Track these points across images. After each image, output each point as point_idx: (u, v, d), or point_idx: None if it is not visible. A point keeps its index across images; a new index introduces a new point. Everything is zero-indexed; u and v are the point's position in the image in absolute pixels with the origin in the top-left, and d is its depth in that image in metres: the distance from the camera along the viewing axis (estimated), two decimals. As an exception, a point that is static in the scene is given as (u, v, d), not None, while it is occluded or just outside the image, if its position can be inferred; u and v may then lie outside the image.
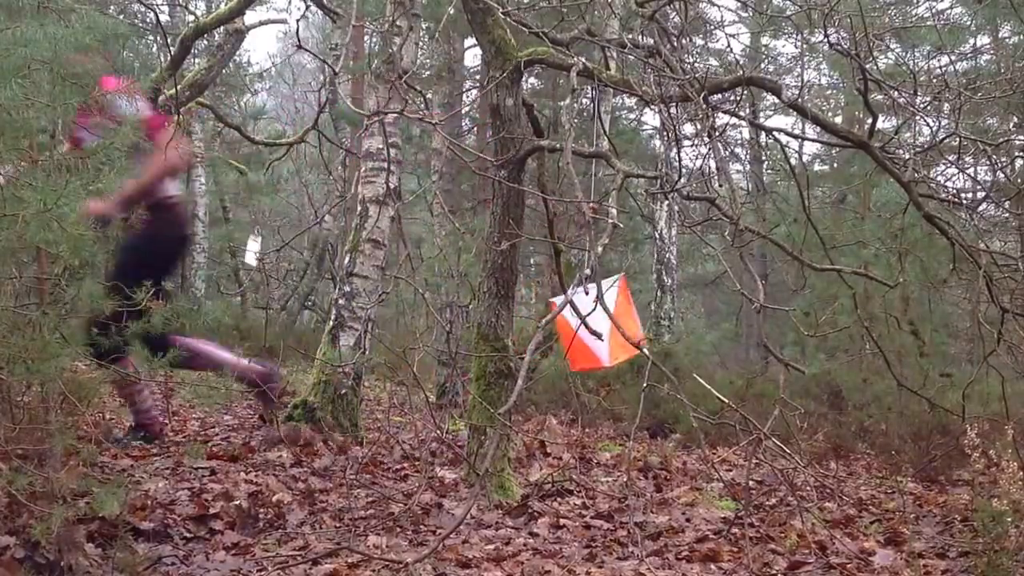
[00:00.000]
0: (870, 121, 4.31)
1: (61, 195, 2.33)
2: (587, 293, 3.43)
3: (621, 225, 3.67)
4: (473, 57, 14.35)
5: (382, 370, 8.08)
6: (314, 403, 5.99)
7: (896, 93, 4.54)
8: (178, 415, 6.25)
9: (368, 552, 3.11)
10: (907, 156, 4.36)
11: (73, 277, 2.78)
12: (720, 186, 4.46)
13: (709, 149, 4.27)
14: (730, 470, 5.76)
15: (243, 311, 14.61)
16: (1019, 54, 9.78)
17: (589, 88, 8.98)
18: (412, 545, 3.43)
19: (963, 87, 4.75)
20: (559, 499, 4.43)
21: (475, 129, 14.10)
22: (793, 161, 6.93)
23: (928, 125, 4.68)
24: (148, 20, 13.76)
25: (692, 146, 8.76)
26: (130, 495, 3.32)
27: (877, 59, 5.31)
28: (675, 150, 6.75)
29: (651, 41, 4.54)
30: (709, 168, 4.44)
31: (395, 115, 5.32)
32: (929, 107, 4.77)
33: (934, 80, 6.72)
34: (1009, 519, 2.58)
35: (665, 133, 11.00)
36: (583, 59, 4.27)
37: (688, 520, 4.10)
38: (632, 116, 16.62)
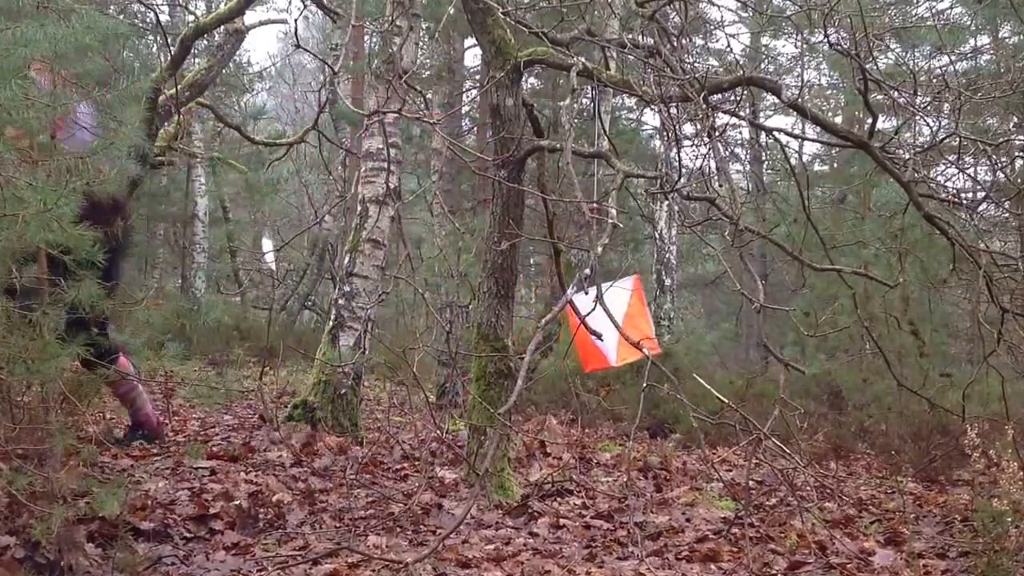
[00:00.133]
0: (870, 121, 4.31)
1: (61, 195, 2.33)
2: (587, 293, 3.43)
3: (621, 225, 3.68)
4: (473, 57, 14.36)
5: (382, 370, 8.08)
6: (314, 403, 6.00)
7: (896, 93, 4.54)
8: (178, 415, 6.25)
9: (368, 552, 3.11)
10: (907, 156, 4.36)
11: (73, 277, 2.78)
12: (720, 186, 4.46)
13: (709, 149, 4.27)
14: (730, 470, 5.76)
15: (243, 312, 14.60)
16: (1019, 54, 9.78)
17: (589, 88, 8.99)
18: (412, 545, 3.43)
19: (963, 87, 4.75)
20: (559, 499, 4.43)
21: (475, 129, 14.10)
22: (793, 161, 6.93)
23: (928, 125, 4.68)
24: (148, 20, 13.76)
25: (692, 146, 8.76)
26: (130, 495, 3.32)
27: (877, 59, 5.31)
28: (675, 150, 6.75)
29: (651, 41, 4.54)
30: (709, 168, 4.44)
31: (395, 115, 5.32)
32: (929, 107, 4.77)
33: (934, 80, 6.73)
34: (1009, 519, 2.58)
35: (665, 133, 11.00)
36: (583, 59, 4.27)
37: (688, 520, 4.11)
38: (632, 116, 16.61)
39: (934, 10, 12.27)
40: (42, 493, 2.52)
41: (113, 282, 3.36)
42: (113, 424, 5.09)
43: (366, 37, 12.83)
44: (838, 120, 11.40)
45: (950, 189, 5.23)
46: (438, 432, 5.22)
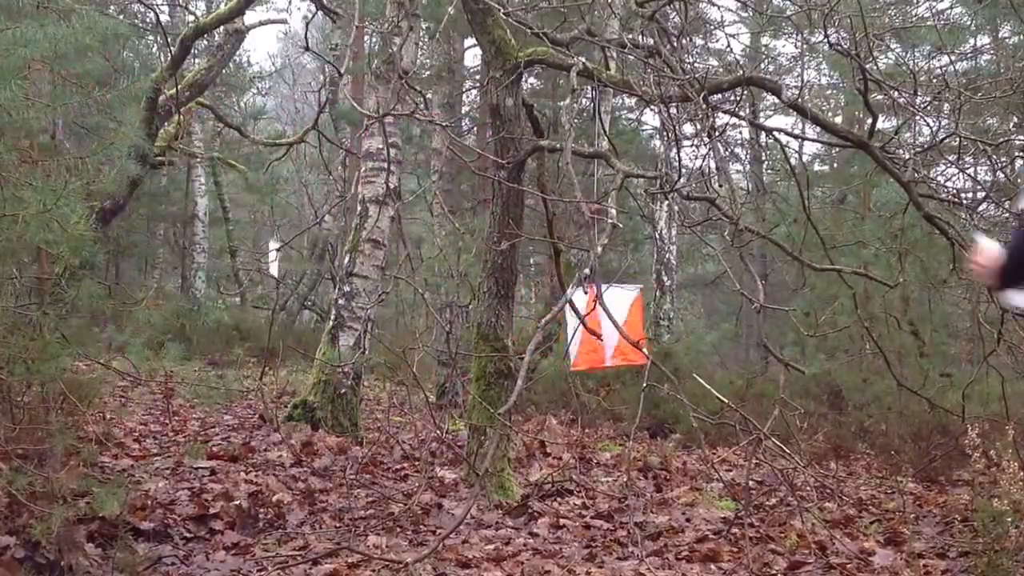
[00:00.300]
0: (870, 121, 4.31)
1: (61, 195, 2.33)
2: (586, 292, 3.43)
3: (621, 225, 3.67)
4: (473, 57, 14.34)
5: (382, 370, 8.08)
6: (314, 403, 6.00)
7: (896, 93, 4.54)
8: (178, 415, 6.25)
9: (368, 552, 3.11)
10: (907, 156, 4.36)
11: (73, 277, 2.78)
12: (720, 186, 4.46)
13: (709, 149, 4.27)
14: (730, 470, 5.76)
15: (243, 312, 14.60)
16: (1019, 54, 9.77)
17: (589, 88, 8.98)
18: (412, 545, 3.43)
19: (963, 87, 4.75)
20: (559, 499, 4.43)
21: (475, 129, 14.09)
22: (793, 161, 6.93)
23: (928, 125, 4.68)
24: (148, 20, 13.75)
25: (692, 146, 8.76)
26: (130, 495, 3.32)
27: (877, 59, 5.31)
28: (675, 150, 6.75)
29: (651, 41, 4.54)
30: (709, 168, 4.44)
31: (398, 116, 5.32)
32: (929, 107, 4.77)
33: (934, 80, 6.73)
34: (1009, 519, 2.58)
35: (665, 133, 11.00)
36: (583, 59, 4.27)
37: (688, 520, 4.10)
38: (632, 116, 16.60)
39: (934, 10, 12.27)
40: (42, 493, 2.52)
41: None
42: (113, 424, 5.09)
43: (366, 37, 12.82)
44: (838, 120, 11.40)
45: (950, 189, 5.23)
46: (438, 432, 5.22)
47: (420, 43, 9.04)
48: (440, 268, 9.48)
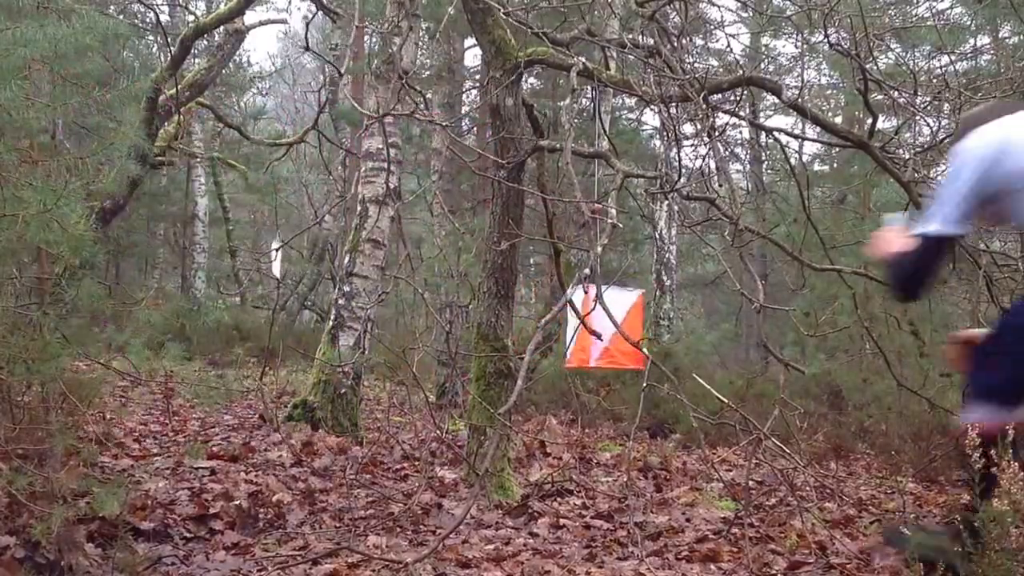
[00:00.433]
0: (870, 121, 4.31)
1: (61, 195, 2.33)
2: (585, 292, 3.43)
3: (621, 225, 3.68)
4: (473, 57, 14.35)
5: (382, 370, 8.09)
6: (314, 403, 6.00)
7: (896, 93, 4.54)
8: (178, 415, 6.25)
9: (368, 552, 3.11)
10: (907, 156, 4.36)
11: (73, 277, 2.78)
12: (720, 186, 4.47)
13: (709, 149, 4.27)
14: (730, 470, 5.76)
15: (243, 312, 14.60)
16: (1019, 54, 9.77)
17: (589, 88, 8.98)
18: (412, 545, 3.43)
19: (963, 87, 4.75)
20: (559, 499, 4.43)
21: (475, 129, 14.09)
22: (793, 161, 6.93)
23: (928, 125, 4.68)
24: (148, 20, 13.75)
25: (692, 146, 8.76)
26: (130, 495, 3.32)
27: (877, 59, 5.31)
28: (675, 150, 6.75)
29: (651, 41, 4.55)
30: (709, 168, 4.45)
31: (397, 116, 5.31)
32: (929, 107, 4.77)
33: (934, 80, 6.72)
34: (1009, 519, 2.57)
35: (665, 133, 11.00)
36: (583, 59, 4.27)
37: (688, 520, 4.10)
38: (632, 116, 16.61)
39: (934, 10, 12.27)
40: (42, 493, 2.52)
41: None
42: (113, 424, 5.09)
43: (366, 37, 12.82)
44: (838, 120, 11.40)
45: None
46: (438, 432, 5.22)
47: (420, 43, 9.04)
48: (440, 268, 9.49)
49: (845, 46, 4.36)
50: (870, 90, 4.21)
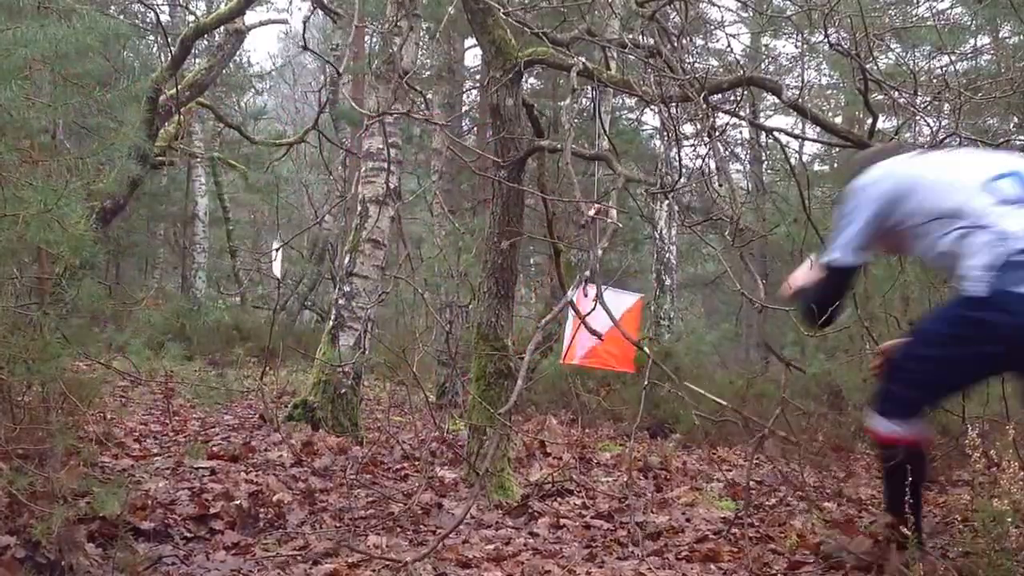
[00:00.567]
0: (870, 121, 4.31)
1: (61, 195, 2.33)
2: (586, 295, 3.43)
3: (621, 226, 3.68)
4: (473, 57, 14.36)
5: (382, 370, 8.09)
6: (314, 403, 6.00)
7: (896, 93, 4.54)
8: (179, 415, 6.26)
9: (367, 551, 3.11)
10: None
11: (73, 277, 2.78)
12: (720, 186, 4.47)
13: (709, 149, 4.27)
14: (730, 470, 5.76)
15: (243, 311, 14.61)
16: (1019, 54, 9.78)
17: (589, 88, 8.98)
18: (412, 545, 3.43)
19: (963, 87, 4.75)
20: (559, 499, 4.43)
21: (475, 129, 14.10)
22: (793, 161, 6.93)
23: (928, 125, 4.68)
24: (148, 20, 13.75)
25: (692, 146, 8.77)
26: (130, 495, 3.32)
27: (877, 59, 5.31)
28: (675, 150, 6.75)
29: (651, 41, 4.55)
30: (709, 168, 4.45)
31: (398, 116, 5.32)
32: (929, 107, 4.77)
33: (934, 80, 6.72)
34: (1010, 519, 2.58)
35: (665, 133, 11.00)
36: (583, 59, 4.27)
37: (688, 520, 4.10)
38: (632, 116, 16.61)
39: (934, 10, 12.28)
40: (42, 493, 2.52)
41: None
42: (113, 424, 5.09)
43: (367, 37, 12.83)
44: (838, 120, 11.40)
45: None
46: (439, 432, 5.22)
47: (420, 43, 9.04)
48: (440, 268, 9.49)
49: (845, 46, 4.36)
50: (870, 90, 4.21)
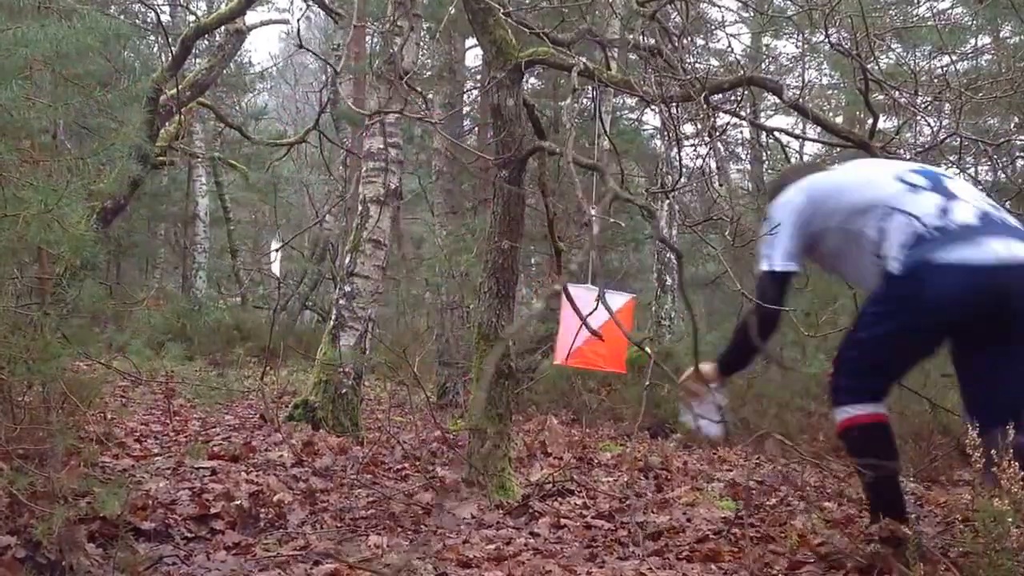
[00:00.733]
0: (871, 121, 4.30)
1: (62, 195, 2.34)
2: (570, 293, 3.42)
3: (622, 224, 3.67)
4: (474, 57, 14.36)
5: (382, 370, 8.09)
6: (315, 403, 6.00)
7: (897, 93, 4.54)
8: (179, 415, 6.26)
9: (357, 565, 3.11)
10: (908, 156, 4.36)
11: (74, 277, 2.78)
12: (720, 186, 4.47)
13: (710, 149, 4.27)
14: (731, 470, 5.76)
15: (244, 312, 14.61)
16: (1020, 54, 9.77)
17: (590, 88, 8.98)
18: (412, 545, 3.43)
19: (964, 87, 4.75)
20: (560, 499, 4.43)
21: (476, 129, 14.10)
22: (794, 161, 6.93)
23: (929, 125, 4.68)
24: (149, 20, 13.77)
25: (692, 146, 8.77)
26: (131, 495, 3.32)
27: (878, 59, 5.31)
28: (675, 150, 6.75)
29: (652, 42, 4.54)
30: (709, 168, 4.45)
31: (396, 115, 5.32)
32: (930, 107, 4.78)
33: (935, 80, 6.72)
34: (1010, 519, 2.58)
35: (666, 133, 11.00)
36: (584, 59, 4.27)
37: (689, 520, 4.10)
38: (633, 116, 16.61)
39: (935, 10, 12.27)
40: (43, 493, 2.52)
41: None
42: (114, 424, 5.10)
43: (368, 37, 12.83)
44: (839, 120, 11.40)
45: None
46: (440, 432, 5.22)
47: (421, 43, 9.04)
48: (441, 268, 9.50)
49: (846, 46, 4.36)
50: (871, 90, 4.21)
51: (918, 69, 6.64)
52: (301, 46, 5.08)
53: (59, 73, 2.59)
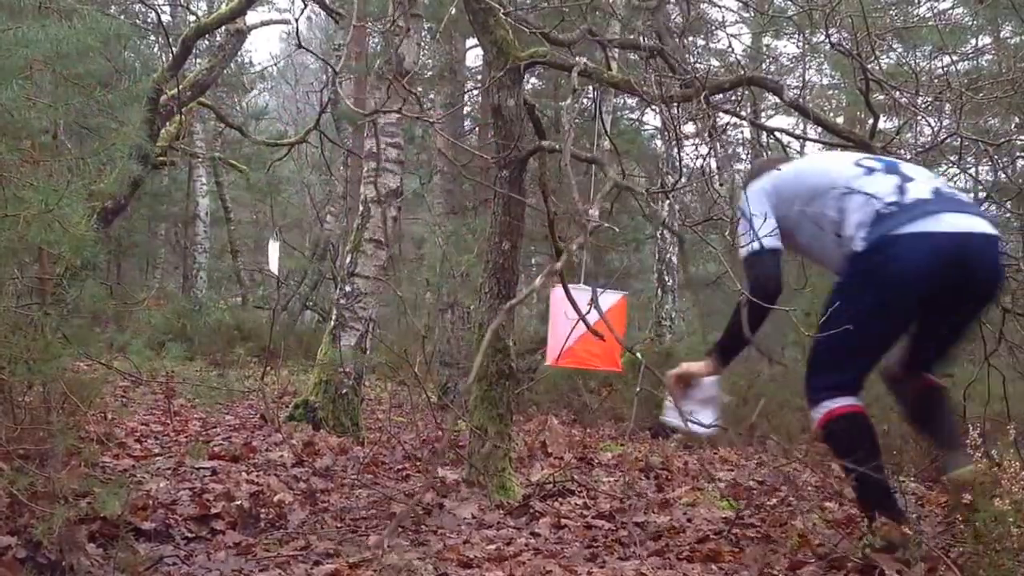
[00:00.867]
0: (872, 121, 4.30)
1: (62, 195, 2.34)
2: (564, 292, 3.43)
3: (616, 229, 3.67)
4: (475, 57, 14.37)
5: (383, 370, 8.09)
6: (315, 403, 6.00)
7: (898, 93, 4.54)
8: (180, 415, 6.26)
9: (357, 565, 3.11)
10: (909, 156, 4.36)
11: (75, 277, 2.78)
12: (721, 185, 4.46)
13: (710, 149, 4.27)
14: (731, 470, 5.76)
15: (245, 312, 14.61)
16: (1020, 54, 9.77)
17: (590, 88, 8.98)
18: (413, 545, 3.43)
19: (965, 87, 4.75)
20: (560, 499, 4.43)
21: (476, 129, 14.10)
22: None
23: (930, 125, 4.68)
24: (150, 20, 13.77)
25: (693, 146, 8.76)
26: (132, 495, 3.32)
27: (879, 59, 5.31)
28: (676, 150, 6.75)
29: (652, 42, 4.54)
30: (710, 168, 4.44)
31: (396, 115, 5.31)
32: (931, 107, 4.77)
33: (936, 80, 6.72)
34: (1011, 519, 2.58)
35: (666, 133, 10.99)
36: (584, 59, 4.27)
37: (689, 520, 4.10)
38: (633, 116, 16.61)
39: (935, 10, 12.27)
40: (43, 493, 2.52)
41: None
42: (114, 424, 5.10)
43: (369, 37, 12.84)
44: (839, 120, 11.39)
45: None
46: (440, 432, 5.22)
47: (422, 43, 9.05)
48: (441, 268, 9.50)
49: (847, 46, 4.36)
50: (871, 90, 4.21)
51: (919, 69, 6.64)
52: (301, 46, 5.07)
53: (60, 73, 2.59)
